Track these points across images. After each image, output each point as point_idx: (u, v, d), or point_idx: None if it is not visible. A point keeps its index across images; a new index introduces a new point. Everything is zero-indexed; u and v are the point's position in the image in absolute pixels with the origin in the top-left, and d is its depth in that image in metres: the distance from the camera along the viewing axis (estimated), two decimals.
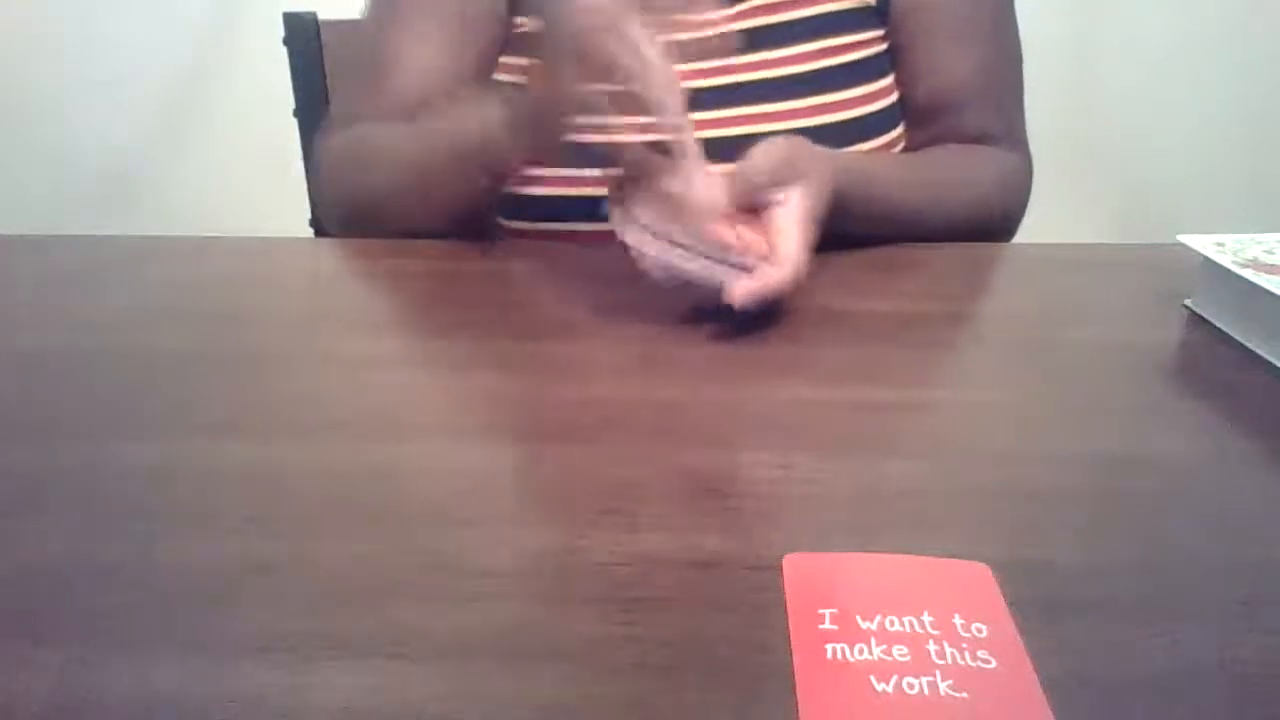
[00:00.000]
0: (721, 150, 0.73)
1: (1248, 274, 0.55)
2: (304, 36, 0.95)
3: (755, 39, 0.73)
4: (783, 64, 0.73)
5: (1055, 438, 0.47)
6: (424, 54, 0.75)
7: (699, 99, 0.73)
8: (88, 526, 0.40)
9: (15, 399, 0.51)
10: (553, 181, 0.73)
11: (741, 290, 0.54)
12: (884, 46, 0.77)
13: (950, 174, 0.77)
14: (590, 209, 0.73)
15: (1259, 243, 0.60)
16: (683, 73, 0.73)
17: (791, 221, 0.57)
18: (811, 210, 0.59)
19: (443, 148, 0.68)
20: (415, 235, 0.70)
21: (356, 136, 0.76)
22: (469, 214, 0.72)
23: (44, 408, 0.49)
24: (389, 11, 0.78)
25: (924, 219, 0.73)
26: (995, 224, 0.79)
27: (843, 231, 0.64)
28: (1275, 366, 0.53)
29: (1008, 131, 0.81)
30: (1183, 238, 0.60)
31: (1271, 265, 0.56)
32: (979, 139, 0.79)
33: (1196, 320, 0.60)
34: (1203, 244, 0.59)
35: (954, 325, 0.61)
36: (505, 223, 0.76)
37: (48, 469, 0.44)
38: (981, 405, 0.51)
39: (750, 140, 0.72)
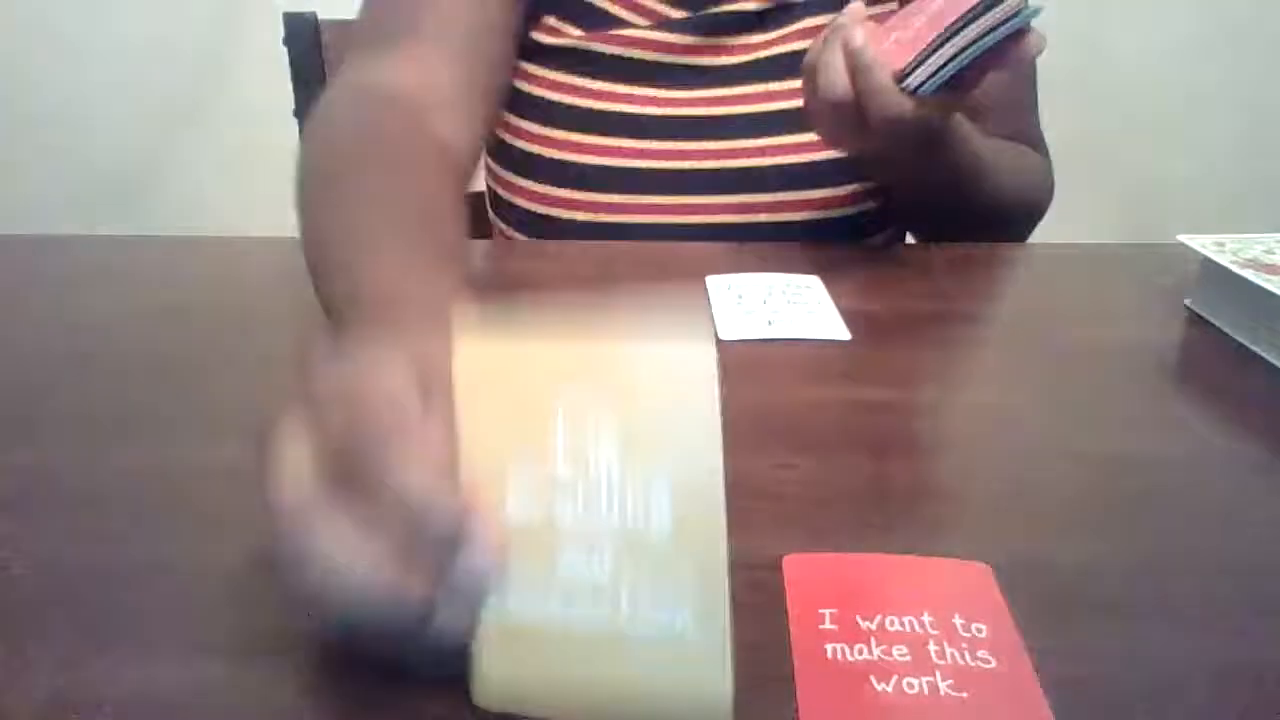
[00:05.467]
0: (779, 178, 0.74)
1: (1248, 274, 0.55)
2: (304, 36, 0.95)
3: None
4: None
5: (1055, 438, 0.47)
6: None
7: (757, 125, 0.74)
8: (88, 526, 0.40)
9: (15, 399, 0.51)
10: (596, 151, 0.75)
11: None
12: None
13: (1014, 158, 0.79)
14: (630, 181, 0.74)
15: (1259, 243, 0.60)
16: (746, 96, 0.75)
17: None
18: None
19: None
20: None
21: (343, 93, 0.66)
22: None
23: (43, 408, 0.49)
24: None
25: (1002, 186, 0.74)
26: (1035, 213, 0.81)
27: (929, 166, 0.67)
28: (1275, 366, 0.54)
29: (1033, 135, 0.82)
30: (1183, 238, 0.60)
31: (1271, 265, 0.56)
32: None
33: (1196, 320, 0.60)
34: (1203, 244, 0.59)
35: (954, 325, 0.61)
36: (548, 190, 0.77)
37: (47, 469, 0.44)
38: (982, 405, 0.51)
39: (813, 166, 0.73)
